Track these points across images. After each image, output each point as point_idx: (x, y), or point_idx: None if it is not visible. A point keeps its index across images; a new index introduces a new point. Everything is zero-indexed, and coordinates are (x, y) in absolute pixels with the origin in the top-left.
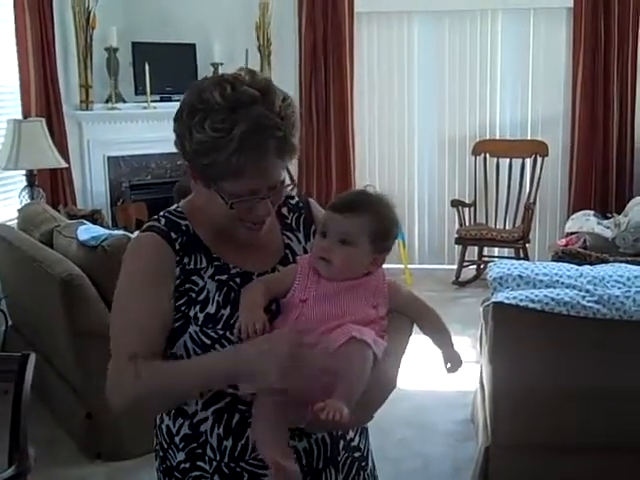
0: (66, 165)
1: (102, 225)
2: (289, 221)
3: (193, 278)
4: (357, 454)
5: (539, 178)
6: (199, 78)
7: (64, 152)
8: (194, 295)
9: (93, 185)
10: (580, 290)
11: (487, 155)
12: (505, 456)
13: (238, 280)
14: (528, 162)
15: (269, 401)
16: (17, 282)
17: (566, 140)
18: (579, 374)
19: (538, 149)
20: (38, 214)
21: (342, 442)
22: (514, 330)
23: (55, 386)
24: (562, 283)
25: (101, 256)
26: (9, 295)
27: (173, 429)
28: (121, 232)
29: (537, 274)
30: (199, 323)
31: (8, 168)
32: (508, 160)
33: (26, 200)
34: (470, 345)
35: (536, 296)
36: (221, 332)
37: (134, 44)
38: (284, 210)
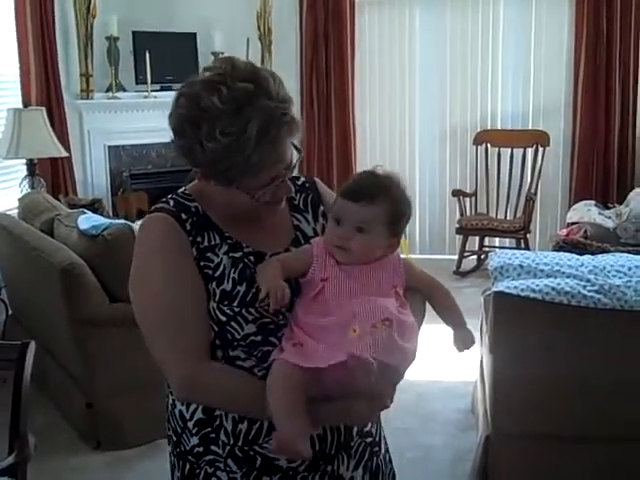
0: (66, 154)
1: (103, 214)
2: (297, 202)
3: (207, 255)
4: (369, 439)
5: (540, 168)
6: (200, 67)
7: (64, 141)
8: (210, 272)
9: (94, 174)
10: (581, 280)
11: (488, 145)
12: (505, 445)
13: (252, 258)
14: (529, 152)
15: (293, 375)
16: (17, 271)
17: (567, 130)
18: (579, 364)
19: (539, 139)
20: (39, 203)
21: (355, 428)
22: (515, 320)
23: (55, 375)
24: (563, 273)
25: (102, 245)
26: (9, 284)
27: (186, 414)
28: (122, 221)
29: (538, 264)
30: (216, 299)
31: (9, 157)
32: (509, 150)
33: (26, 189)
34: None
35: (537, 286)
36: (237, 309)
37: (135, 33)
38: None
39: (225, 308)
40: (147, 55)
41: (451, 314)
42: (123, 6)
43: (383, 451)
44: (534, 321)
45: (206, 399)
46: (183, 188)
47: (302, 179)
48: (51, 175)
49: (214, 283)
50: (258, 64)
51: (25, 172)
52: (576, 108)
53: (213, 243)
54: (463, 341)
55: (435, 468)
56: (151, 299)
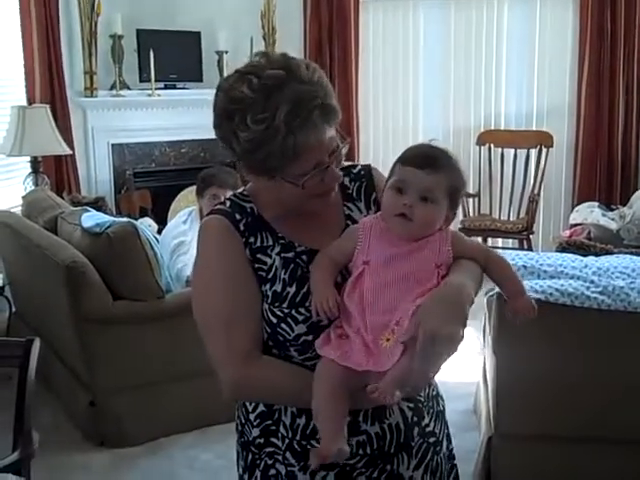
0: (70, 152)
1: (106, 212)
2: (350, 191)
3: (259, 257)
4: (432, 439)
5: (544, 169)
6: (203, 66)
7: (68, 139)
8: (264, 274)
9: (97, 172)
10: (584, 281)
11: (492, 145)
12: (507, 446)
13: (305, 257)
14: (533, 153)
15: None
16: (21, 269)
17: (571, 131)
18: (582, 365)
19: (543, 140)
20: (42, 201)
21: (417, 428)
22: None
23: (59, 373)
24: (566, 274)
25: (105, 243)
26: (13, 282)
27: (249, 406)
28: (125, 219)
29: (541, 264)
30: (268, 301)
31: (13, 154)
32: (513, 151)
33: (30, 187)
34: (474, 336)
35: (540, 286)
36: (287, 310)
37: (139, 31)
38: (346, 180)
39: (276, 309)
40: (151, 53)
41: (509, 283)
42: (127, 4)
43: (445, 449)
44: (537, 322)
45: (254, 397)
46: (242, 188)
47: (358, 167)
48: (55, 173)
49: (267, 285)
50: (309, 60)
51: (29, 170)
52: (580, 109)
53: (266, 244)
54: (519, 308)
55: None
56: (205, 299)
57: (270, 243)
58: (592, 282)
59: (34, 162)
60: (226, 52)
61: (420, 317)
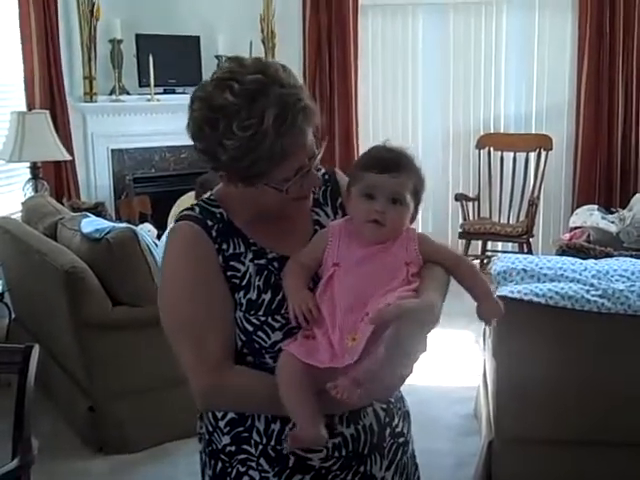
0: (70, 158)
1: (106, 218)
2: (317, 196)
3: (233, 264)
4: (401, 439)
5: (543, 172)
6: (203, 71)
7: (68, 144)
8: (237, 281)
9: (97, 178)
10: (584, 284)
11: (491, 149)
12: (508, 450)
13: (276, 264)
14: (532, 156)
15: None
16: (21, 274)
17: (571, 134)
18: (583, 368)
19: (542, 143)
20: (42, 207)
21: (389, 429)
22: (518, 324)
23: (58, 379)
24: (566, 277)
25: (105, 248)
26: (13, 287)
27: (218, 414)
28: (125, 225)
29: (541, 268)
30: (242, 309)
31: (12, 160)
32: (512, 154)
33: (30, 193)
34: (473, 339)
35: (540, 290)
36: (263, 318)
37: (138, 36)
38: None
39: (251, 317)
40: (150, 58)
41: (475, 287)
42: (126, 9)
43: (410, 449)
44: (537, 325)
45: (226, 407)
46: (209, 194)
47: (322, 171)
48: (54, 178)
49: (241, 292)
50: (281, 62)
51: (29, 175)
52: (579, 112)
53: (238, 251)
54: (489, 312)
55: (437, 473)
56: (175, 308)
57: (242, 250)
58: (592, 285)
59: (34, 168)
60: (225, 56)
61: (400, 317)
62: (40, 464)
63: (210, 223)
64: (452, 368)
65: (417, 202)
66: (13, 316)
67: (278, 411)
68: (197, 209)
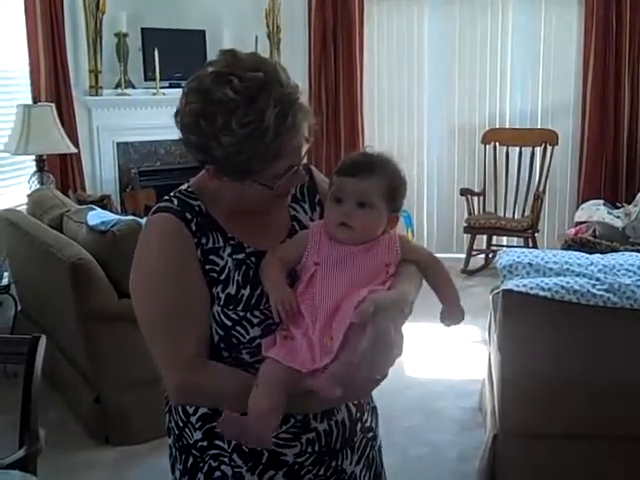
0: (75, 150)
1: (111, 211)
2: (294, 192)
3: (212, 258)
4: (370, 434)
5: (549, 167)
6: None
7: (73, 137)
8: (216, 275)
9: (102, 171)
10: (590, 278)
11: (497, 144)
12: (513, 444)
13: (254, 259)
14: (538, 151)
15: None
16: (27, 267)
17: (576, 129)
18: (588, 362)
19: (548, 138)
20: (48, 199)
21: (359, 424)
22: (523, 318)
23: (64, 370)
24: (572, 271)
25: (110, 241)
26: (19, 280)
27: (189, 409)
28: (130, 217)
29: (547, 262)
30: (220, 304)
31: (18, 153)
32: (518, 149)
33: (36, 185)
34: (479, 333)
35: (546, 284)
36: (242, 313)
37: (144, 30)
38: None
39: (230, 312)
40: (156, 52)
41: (444, 289)
42: (132, 3)
43: (378, 444)
44: (543, 319)
45: (200, 403)
46: (186, 185)
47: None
48: (60, 171)
49: (219, 287)
50: (274, 59)
51: (34, 168)
52: (585, 107)
53: (217, 245)
54: (452, 316)
55: (442, 466)
56: (151, 302)
57: (221, 244)
58: (598, 280)
59: (39, 161)
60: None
61: (377, 311)
62: (46, 454)
63: (189, 216)
64: (457, 362)
65: (394, 204)
66: (19, 308)
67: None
68: (175, 201)
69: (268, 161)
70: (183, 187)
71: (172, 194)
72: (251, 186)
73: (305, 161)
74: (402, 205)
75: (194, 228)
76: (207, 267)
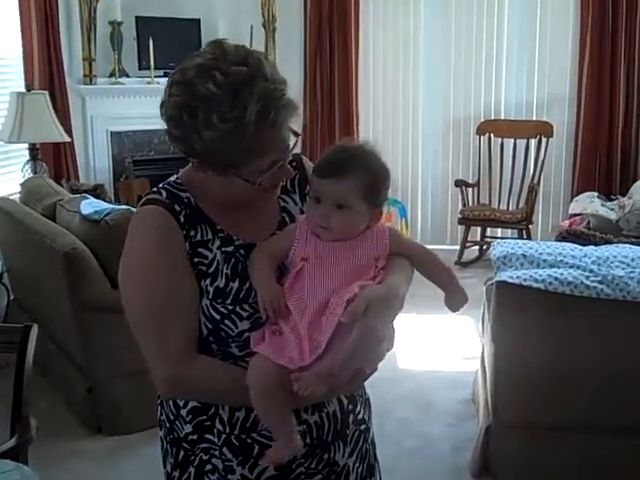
0: (69, 139)
1: (105, 200)
2: (284, 183)
3: (200, 250)
4: (363, 426)
5: (543, 159)
6: None
7: (67, 126)
8: (204, 268)
9: (96, 160)
10: (584, 270)
11: (491, 135)
12: (506, 435)
13: (243, 252)
14: (532, 143)
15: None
16: (20, 256)
17: (571, 121)
18: (582, 354)
19: (543, 130)
20: (41, 188)
21: (352, 416)
22: (517, 309)
23: (56, 360)
24: (566, 263)
25: (104, 230)
26: (11, 269)
27: (179, 402)
28: (124, 207)
29: (541, 253)
30: (209, 297)
31: (11, 141)
32: (512, 140)
33: (29, 174)
34: (472, 325)
35: (540, 275)
36: (231, 307)
37: (138, 18)
38: None
39: (219, 306)
40: (150, 41)
41: (439, 276)
42: None
43: (371, 435)
44: (536, 311)
45: (189, 397)
46: (175, 176)
47: (289, 158)
48: (53, 160)
49: (208, 280)
50: (262, 52)
51: (27, 157)
52: (580, 99)
53: (206, 237)
54: (457, 301)
55: (435, 457)
56: (139, 295)
57: (210, 237)
58: (591, 271)
59: (32, 149)
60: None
61: (367, 308)
62: (38, 444)
63: (178, 208)
64: (451, 354)
65: (374, 200)
66: (12, 297)
67: (241, 402)
68: (164, 193)
69: (250, 157)
70: (172, 178)
71: (161, 186)
72: (234, 180)
73: (299, 151)
74: (386, 197)
75: (182, 220)
76: (195, 260)
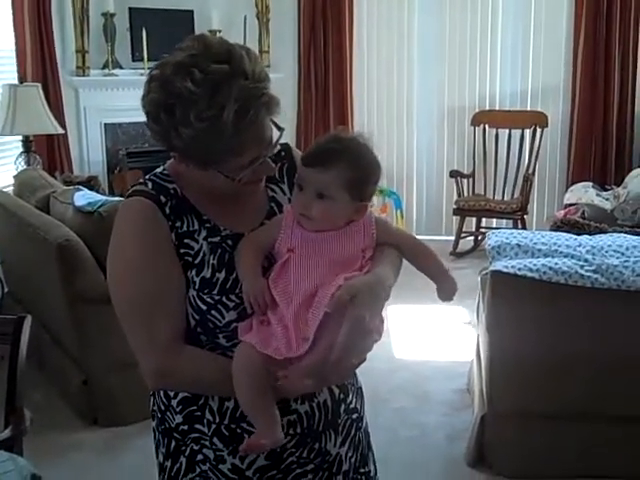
0: (62, 131)
1: (99, 192)
2: (273, 173)
3: (187, 241)
4: (355, 415)
5: (538, 149)
6: None
7: (60, 118)
8: (190, 259)
9: (90, 152)
10: (579, 259)
11: (486, 126)
12: (501, 424)
13: (230, 242)
14: (527, 133)
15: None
16: (13, 248)
17: (566, 111)
18: (576, 343)
19: (538, 120)
20: (34, 180)
21: (343, 405)
22: (512, 299)
23: (51, 352)
24: (560, 252)
25: (97, 222)
26: (5, 261)
27: (170, 393)
28: (118, 198)
29: (536, 243)
30: (196, 287)
31: (4, 133)
32: (507, 131)
33: (22, 166)
34: (467, 315)
35: (534, 265)
36: (217, 297)
37: (131, 9)
38: None
39: (205, 296)
40: (144, 32)
41: (429, 266)
42: None
43: (364, 424)
44: (531, 300)
45: (177, 388)
46: (162, 167)
47: (278, 147)
48: (47, 152)
49: (194, 271)
50: (255, 42)
51: (21, 149)
52: (575, 89)
53: (192, 228)
54: (448, 291)
55: (430, 447)
56: (126, 287)
57: (196, 227)
58: (586, 261)
59: (26, 141)
60: (219, 31)
61: (354, 299)
62: (34, 436)
63: (164, 199)
64: (446, 344)
65: (358, 194)
66: (6, 289)
67: (229, 393)
68: (150, 184)
69: (230, 155)
70: (159, 170)
71: (147, 177)
72: (215, 175)
73: (293, 141)
74: (373, 192)
75: (168, 212)
76: (182, 251)
